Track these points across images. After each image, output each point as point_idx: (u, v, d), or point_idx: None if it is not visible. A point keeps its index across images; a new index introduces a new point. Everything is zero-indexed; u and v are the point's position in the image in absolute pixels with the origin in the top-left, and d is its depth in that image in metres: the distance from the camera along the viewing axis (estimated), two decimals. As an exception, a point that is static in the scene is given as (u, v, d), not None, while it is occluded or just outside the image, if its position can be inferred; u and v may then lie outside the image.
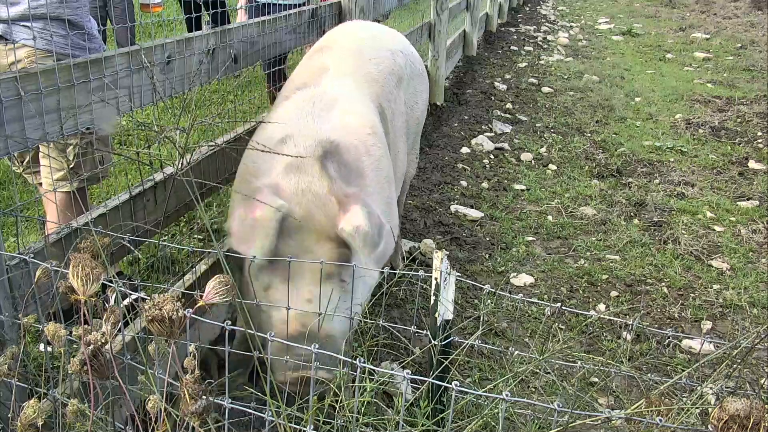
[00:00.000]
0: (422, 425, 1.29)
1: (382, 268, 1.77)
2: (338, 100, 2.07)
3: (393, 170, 2.18)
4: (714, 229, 3.87)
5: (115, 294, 1.26)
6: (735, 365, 1.53)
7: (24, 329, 1.24)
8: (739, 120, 6.05)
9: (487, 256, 3.43)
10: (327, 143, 1.85)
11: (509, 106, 6.30)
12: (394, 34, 2.86)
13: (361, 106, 2.14)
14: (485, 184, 4.41)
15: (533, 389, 2.22)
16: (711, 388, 1.35)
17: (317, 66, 2.30)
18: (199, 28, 5.85)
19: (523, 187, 4.40)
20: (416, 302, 2.79)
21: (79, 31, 2.24)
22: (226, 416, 1.09)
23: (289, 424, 1.11)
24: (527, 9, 13.81)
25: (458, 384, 1.03)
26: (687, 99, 6.86)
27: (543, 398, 2.14)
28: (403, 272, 1.71)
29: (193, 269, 2.26)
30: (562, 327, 2.83)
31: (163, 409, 1.05)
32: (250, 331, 1.13)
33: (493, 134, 5.47)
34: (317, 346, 1.10)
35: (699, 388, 1.33)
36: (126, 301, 2.06)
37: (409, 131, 2.68)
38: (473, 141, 5.19)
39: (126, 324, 1.84)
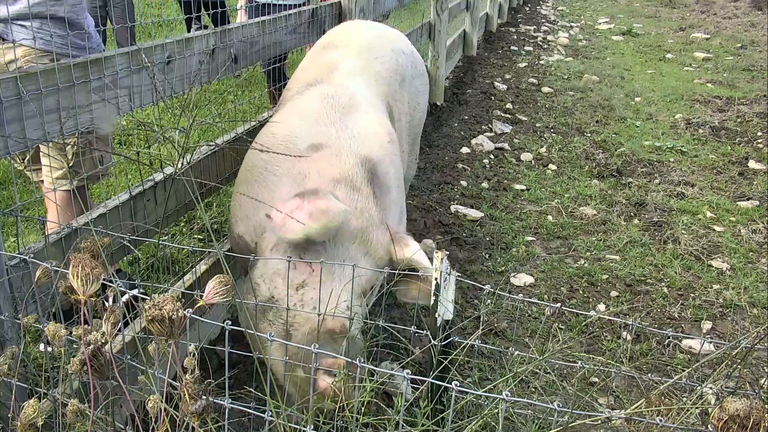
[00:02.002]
0: (422, 425, 1.29)
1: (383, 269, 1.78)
2: (356, 101, 2.07)
3: None
4: (714, 229, 3.87)
5: (114, 294, 1.26)
6: (735, 365, 1.53)
7: (24, 329, 1.24)
8: (739, 120, 6.05)
9: (487, 256, 3.43)
10: (368, 162, 1.88)
11: (509, 106, 6.31)
12: (396, 34, 2.86)
13: (376, 109, 2.14)
14: (485, 184, 4.41)
15: (533, 389, 2.22)
16: (711, 388, 1.35)
17: (325, 63, 2.29)
18: (198, 28, 5.84)
19: (523, 187, 4.40)
20: (416, 302, 2.79)
21: (78, 31, 2.24)
22: (226, 416, 1.09)
23: (289, 425, 1.11)
24: (527, 9, 13.81)
25: (458, 384, 1.03)
26: (687, 99, 6.86)
27: (543, 398, 2.14)
28: (404, 272, 1.72)
29: (193, 269, 2.26)
30: (562, 327, 2.83)
31: (163, 409, 1.05)
32: (250, 331, 1.14)
33: (493, 134, 5.47)
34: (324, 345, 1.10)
35: (699, 388, 1.33)
36: (124, 298, 2.06)
37: (410, 131, 2.68)
38: (473, 141, 5.19)
39: (126, 324, 1.84)
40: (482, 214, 3.89)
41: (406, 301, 1.86)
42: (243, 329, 1.19)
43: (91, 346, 1.03)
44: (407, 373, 1.04)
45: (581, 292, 3.14)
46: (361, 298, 1.72)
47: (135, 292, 2.03)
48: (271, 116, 2.27)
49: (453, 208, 3.94)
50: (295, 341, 1.58)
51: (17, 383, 1.18)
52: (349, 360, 1.14)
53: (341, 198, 1.74)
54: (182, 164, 1.57)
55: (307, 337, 1.61)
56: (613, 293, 3.13)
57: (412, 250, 1.79)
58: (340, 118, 1.97)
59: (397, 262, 1.78)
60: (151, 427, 1.05)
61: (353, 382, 1.21)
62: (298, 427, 1.11)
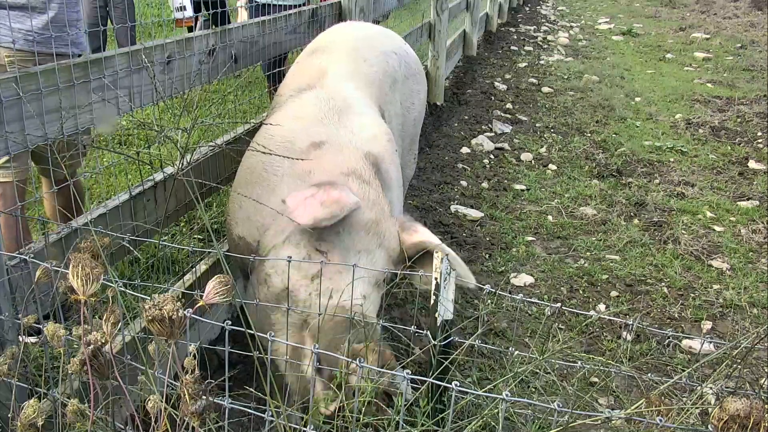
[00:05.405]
0: (422, 425, 1.29)
1: (395, 260, 1.80)
2: (350, 103, 2.08)
3: None
4: (714, 229, 3.87)
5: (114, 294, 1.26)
6: (735, 365, 1.53)
7: (24, 329, 1.24)
8: (739, 120, 6.05)
9: (487, 256, 3.43)
10: (371, 157, 1.91)
11: (509, 106, 6.30)
12: (387, 34, 2.81)
13: (372, 110, 2.15)
14: (485, 184, 4.41)
15: (533, 389, 2.22)
16: (711, 388, 1.35)
17: (315, 68, 2.28)
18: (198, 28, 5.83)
19: (523, 187, 4.40)
20: (416, 302, 2.79)
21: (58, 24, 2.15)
22: (226, 416, 1.09)
23: (289, 425, 1.11)
24: (527, 9, 13.80)
25: (458, 384, 1.03)
26: (687, 99, 6.86)
27: (543, 398, 2.14)
28: (404, 272, 1.71)
29: (193, 269, 2.26)
30: (562, 327, 2.83)
31: (163, 409, 1.05)
32: (250, 331, 1.13)
33: (493, 134, 5.47)
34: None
35: (699, 388, 1.33)
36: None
37: (405, 132, 2.67)
38: (473, 141, 5.19)
39: (126, 324, 1.84)
40: (482, 214, 3.89)
41: (425, 287, 1.84)
42: (247, 327, 1.18)
43: (91, 346, 1.03)
44: (407, 373, 1.04)
45: (581, 292, 3.14)
46: (376, 288, 1.73)
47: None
48: (265, 119, 2.27)
49: (453, 208, 3.94)
50: (313, 330, 1.58)
51: (17, 383, 1.18)
52: (349, 360, 1.14)
53: (354, 190, 1.77)
54: (183, 164, 1.57)
55: (325, 325, 1.58)
56: (613, 293, 3.13)
57: (422, 235, 1.82)
58: (339, 119, 1.98)
59: (408, 249, 1.80)
60: (151, 427, 1.05)
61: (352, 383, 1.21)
62: (298, 427, 1.11)
